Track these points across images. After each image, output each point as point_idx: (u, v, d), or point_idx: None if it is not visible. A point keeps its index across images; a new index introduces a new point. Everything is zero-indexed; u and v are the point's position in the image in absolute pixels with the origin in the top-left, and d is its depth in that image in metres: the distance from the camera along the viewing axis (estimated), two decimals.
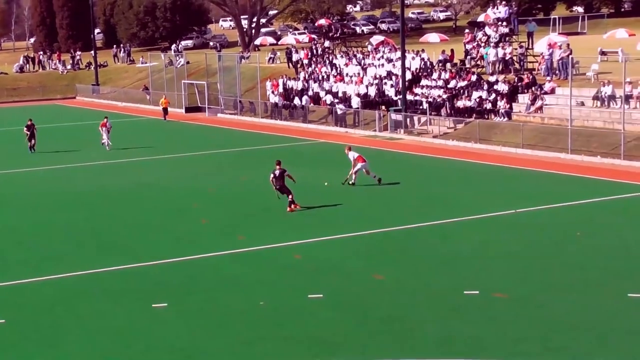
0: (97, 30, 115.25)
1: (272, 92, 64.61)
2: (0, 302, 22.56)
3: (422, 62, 59.11)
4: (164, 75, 79.41)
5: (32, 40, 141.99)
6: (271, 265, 25.35)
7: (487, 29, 59.11)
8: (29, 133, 50.35)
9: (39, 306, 22.04)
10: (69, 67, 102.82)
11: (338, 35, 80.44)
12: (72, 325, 20.46)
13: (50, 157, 48.03)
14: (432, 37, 71.42)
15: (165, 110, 67.08)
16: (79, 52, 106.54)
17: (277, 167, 32.16)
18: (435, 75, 56.78)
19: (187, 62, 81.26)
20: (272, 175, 32.14)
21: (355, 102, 57.08)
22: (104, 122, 50.86)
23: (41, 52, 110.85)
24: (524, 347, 18.25)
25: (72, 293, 23.14)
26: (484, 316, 20.22)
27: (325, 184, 36.07)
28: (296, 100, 62.12)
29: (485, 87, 51.79)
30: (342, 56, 67.25)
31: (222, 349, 18.75)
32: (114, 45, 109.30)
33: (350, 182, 36.60)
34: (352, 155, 36.67)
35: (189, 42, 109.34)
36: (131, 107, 79.04)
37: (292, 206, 31.94)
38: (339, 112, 57.54)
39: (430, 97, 53.81)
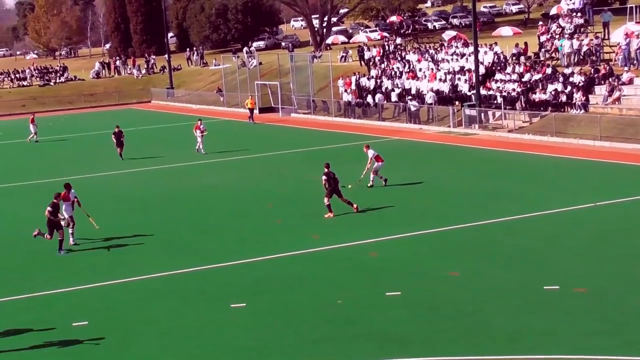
0: (170, 34, 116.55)
1: (345, 91, 64.50)
2: (79, 305, 22.83)
3: (496, 56, 58.44)
4: (237, 77, 79.85)
5: (107, 46, 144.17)
6: (347, 263, 25.23)
7: (561, 20, 58.21)
8: (115, 140, 49.48)
9: (116, 308, 22.23)
10: (143, 71, 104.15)
11: (410, 31, 79.91)
12: (147, 327, 20.59)
13: (130, 161, 48.18)
14: (505, 30, 70.62)
15: (251, 111, 65.67)
16: (153, 57, 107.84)
17: (327, 169, 31.38)
18: (509, 69, 56.08)
19: (260, 63, 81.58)
20: (324, 178, 31.17)
21: (429, 97, 56.64)
22: (198, 124, 49.87)
23: (117, 58, 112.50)
24: (599, 342, 17.88)
25: (145, 295, 23.29)
26: (558, 311, 19.85)
27: (349, 187, 34.35)
28: (369, 98, 61.92)
29: (561, 79, 50.94)
30: (414, 52, 66.87)
31: (292, 348, 18.70)
32: (187, 49, 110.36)
33: (369, 185, 35.70)
34: (371, 153, 35.53)
35: (261, 43, 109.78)
36: (205, 109, 79.60)
37: (355, 207, 31.42)
38: (413, 108, 57.16)
39: (505, 91, 53.12)
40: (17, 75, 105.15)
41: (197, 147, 49.45)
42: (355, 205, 31.38)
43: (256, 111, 70.70)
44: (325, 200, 31.07)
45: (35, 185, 42.56)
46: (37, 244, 29.43)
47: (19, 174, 46.85)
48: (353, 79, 64.83)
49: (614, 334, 18.24)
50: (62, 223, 28.32)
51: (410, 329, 19.34)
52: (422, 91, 58.32)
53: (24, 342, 20.07)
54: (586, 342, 17.89)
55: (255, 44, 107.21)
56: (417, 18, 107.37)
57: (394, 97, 60.12)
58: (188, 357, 18.68)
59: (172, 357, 18.74)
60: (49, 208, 27.80)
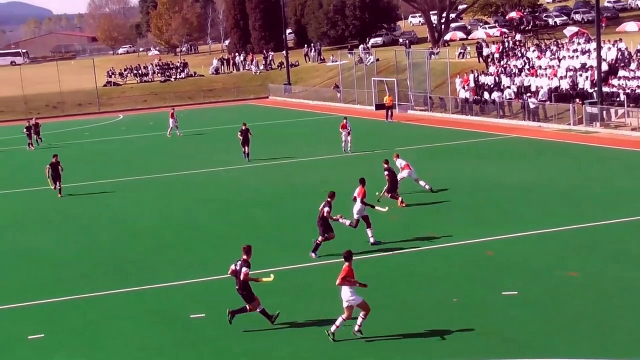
0: (288, 31, 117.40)
1: (463, 88, 63.85)
2: (198, 297, 23.14)
3: (619, 53, 56.94)
4: (353, 73, 79.89)
5: (226, 42, 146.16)
6: (464, 261, 24.91)
7: None
8: (242, 138, 47.64)
9: (235, 302, 22.37)
10: (261, 67, 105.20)
11: (530, 27, 78.57)
12: (262, 321, 20.67)
13: (253, 156, 47.82)
14: (630, 26, 68.73)
15: (388, 108, 63.23)
16: (271, 53, 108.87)
17: (387, 165, 32.93)
18: (633, 66, 54.58)
19: (377, 60, 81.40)
20: (387, 173, 32.67)
21: (542, 95, 55.50)
22: (344, 123, 48.20)
23: (235, 54, 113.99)
24: None
25: (261, 290, 23.33)
26: None
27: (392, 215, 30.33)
28: (486, 95, 61.12)
29: None
30: (534, 49, 65.72)
31: (406, 345, 18.58)
32: (305, 45, 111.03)
33: (428, 188, 34.93)
34: (400, 162, 35.05)
35: (378, 40, 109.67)
36: (322, 106, 79.94)
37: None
38: (532, 106, 56.17)
39: (628, 89, 51.71)
40: (140, 72, 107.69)
41: (343, 146, 48.01)
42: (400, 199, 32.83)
43: (372, 107, 70.83)
44: (387, 194, 32.64)
45: (165, 179, 43.58)
46: (161, 236, 30.13)
47: (148, 167, 48.04)
48: (471, 76, 64.13)
49: None
50: (344, 222, 26.63)
51: (527, 329, 18.97)
52: (541, 88, 57.26)
53: (142, 332, 20.53)
54: None
55: (372, 40, 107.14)
56: (537, 14, 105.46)
57: (511, 95, 59.17)
58: (303, 350, 18.75)
59: (287, 351, 18.84)
60: (326, 208, 25.92)
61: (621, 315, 19.43)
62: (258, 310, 20.23)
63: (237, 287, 20.10)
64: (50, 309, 22.90)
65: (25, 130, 60.48)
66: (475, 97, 62.16)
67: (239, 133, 48.02)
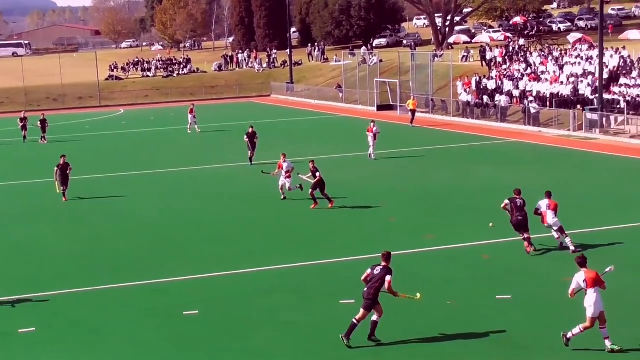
0: (293, 29, 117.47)
1: (464, 91, 63.97)
2: (194, 293, 23.25)
3: (622, 60, 57.06)
4: (357, 74, 80.00)
5: (230, 39, 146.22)
6: (458, 264, 25.03)
7: None
8: (249, 142, 45.01)
9: (231, 299, 22.54)
10: (264, 65, 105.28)
11: (534, 33, 78.71)
12: (264, 319, 20.87)
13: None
14: (633, 34, 68.92)
15: (413, 113, 60.39)
16: (274, 51, 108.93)
17: (313, 165, 33.82)
18: (635, 74, 54.70)
19: (380, 61, 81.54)
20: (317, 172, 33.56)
21: (537, 100, 55.66)
22: (370, 127, 45.42)
23: (239, 51, 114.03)
24: None
25: (263, 287, 23.53)
26: None
27: (490, 225, 28.54)
28: (485, 99, 61.21)
29: None
30: (537, 54, 65.85)
31: (408, 347, 18.68)
32: (309, 44, 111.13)
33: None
34: (287, 165, 35.09)
35: (383, 41, 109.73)
36: (324, 105, 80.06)
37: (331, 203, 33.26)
38: (532, 111, 56.30)
39: (629, 96, 51.84)
40: (143, 66, 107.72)
41: (369, 153, 45.52)
42: (332, 202, 33.70)
43: (373, 108, 70.78)
44: (310, 191, 33.67)
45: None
46: (159, 231, 30.28)
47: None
48: (473, 79, 64.25)
49: None
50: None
51: (526, 333, 19.14)
52: (542, 94, 57.42)
53: (136, 328, 20.73)
54: None
55: (376, 42, 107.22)
56: (542, 19, 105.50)
57: (511, 99, 59.30)
58: (305, 352, 18.84)
59: (288, 351, 18.93)
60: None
61: (621, 321, 19.41)
62: (375, 318, 18.83)
63: (365, 291, 18.71)
64: (45, 303, 22.82)
65: (38, 123, 59.61)
66: (477, 100, 62.30)
67: (245, 136, 45.26)
